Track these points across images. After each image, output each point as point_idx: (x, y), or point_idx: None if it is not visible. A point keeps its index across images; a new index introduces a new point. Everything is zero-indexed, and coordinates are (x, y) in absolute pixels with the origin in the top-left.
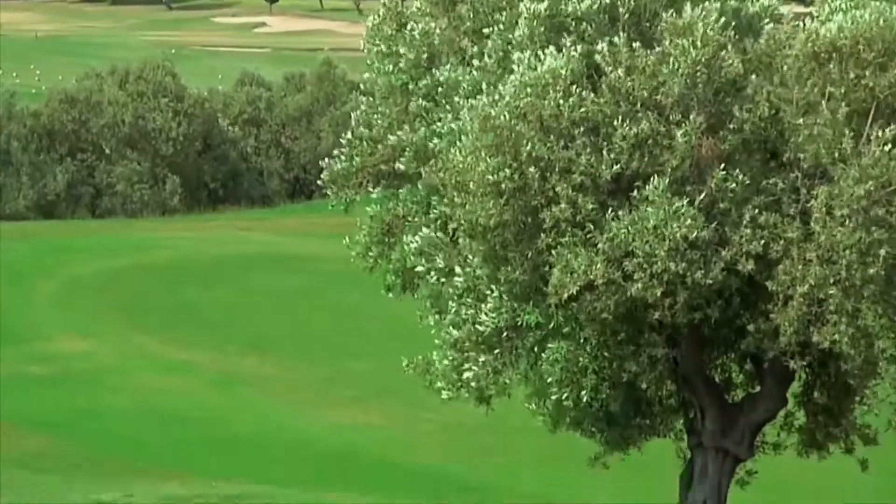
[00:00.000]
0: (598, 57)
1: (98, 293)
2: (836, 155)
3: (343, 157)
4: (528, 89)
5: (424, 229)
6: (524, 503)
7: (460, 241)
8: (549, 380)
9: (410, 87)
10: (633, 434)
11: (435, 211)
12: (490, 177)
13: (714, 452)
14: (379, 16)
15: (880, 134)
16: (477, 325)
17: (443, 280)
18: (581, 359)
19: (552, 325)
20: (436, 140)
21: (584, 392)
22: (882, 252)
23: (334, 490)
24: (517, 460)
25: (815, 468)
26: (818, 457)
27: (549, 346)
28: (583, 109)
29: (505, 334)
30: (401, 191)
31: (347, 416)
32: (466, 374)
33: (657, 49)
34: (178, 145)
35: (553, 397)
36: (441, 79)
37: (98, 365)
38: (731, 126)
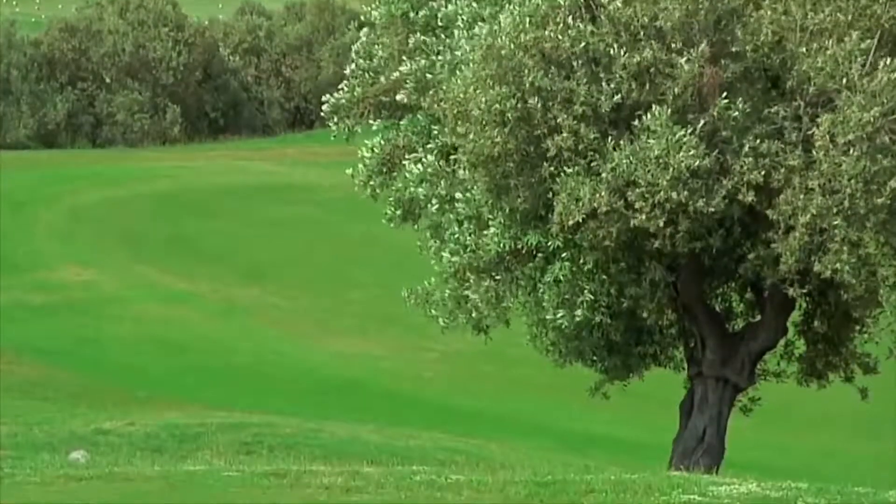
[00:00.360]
0: None
1: (99, 223)
2: (844, 82)
3: (345, 88)
4: (528, 20)
5: (428, 156)
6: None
7: (462, 170)
8: (546, 304)
9: (411, 16)
10: (633, 363)
11: (436, 141)
12: (496, 105)
13: (714, 381)
14: None
15: (888, 62)
16: (478, 251)
17: (444, 208)
18: (580, 281)
19: (552, 248)
20: (436, 72)
21: (578, 311)
22: (893, 183)
23: (334, 418)
24: (518, 389)
25: (814, 396)
26: (818, 385)
27: (549, 266)
28: (583, 44)
29: (507, 259)
30: (402, 121)
31: (348, 345)
32: (471, 296)
33: None
34: (179, 75)
35: (547, 317)
36: (441, 9)
37: (99, 294)
38: (734, 50)
